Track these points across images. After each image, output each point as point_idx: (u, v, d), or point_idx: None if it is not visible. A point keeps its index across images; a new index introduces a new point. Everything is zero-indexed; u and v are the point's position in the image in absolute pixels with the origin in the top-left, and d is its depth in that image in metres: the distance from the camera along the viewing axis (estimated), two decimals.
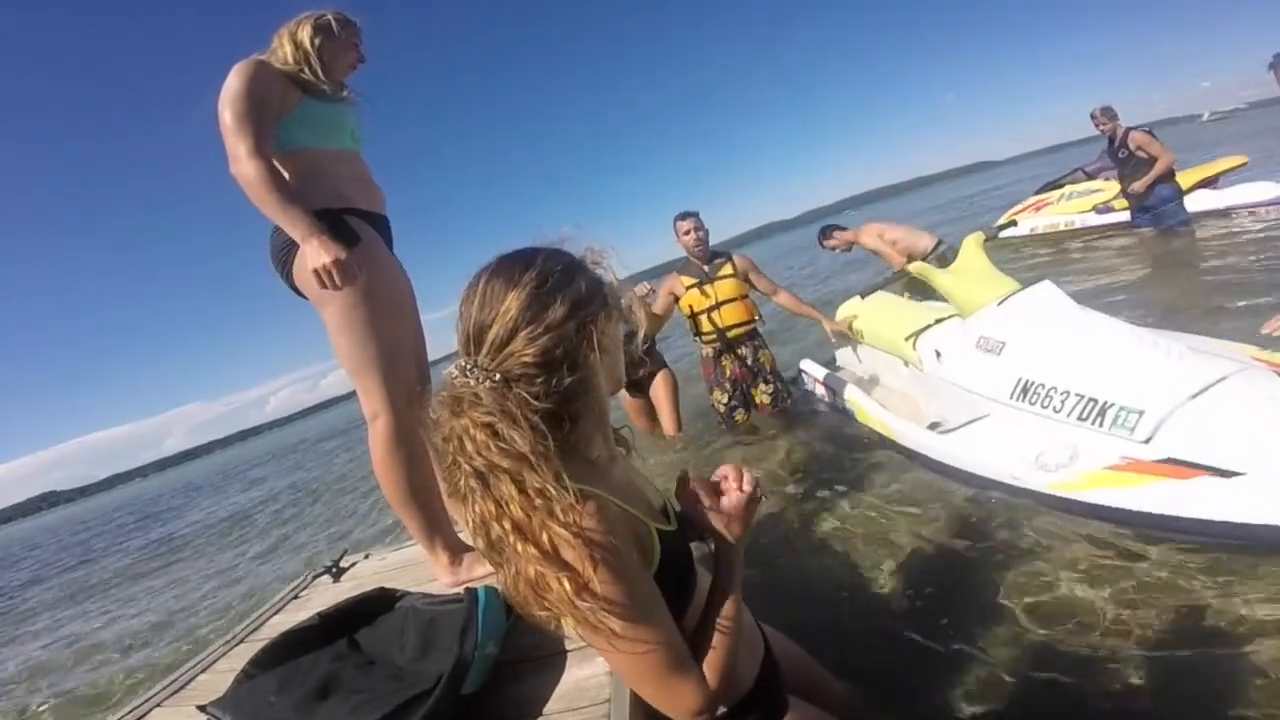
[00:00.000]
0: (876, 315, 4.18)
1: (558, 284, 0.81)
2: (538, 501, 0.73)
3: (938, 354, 3.26)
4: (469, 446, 0.75)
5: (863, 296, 4.27)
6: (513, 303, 0.79)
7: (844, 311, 4.46)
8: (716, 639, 0.87)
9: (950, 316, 3.47)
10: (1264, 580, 1.87)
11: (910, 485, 3.08)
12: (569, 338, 0.80)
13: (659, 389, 4.51)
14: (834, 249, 5.67)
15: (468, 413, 0.76)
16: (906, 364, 3.69)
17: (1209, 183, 7.36)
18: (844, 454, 3.70)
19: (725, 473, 0.95)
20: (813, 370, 4.56)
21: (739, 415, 4.43)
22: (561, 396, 0.80)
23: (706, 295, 4.19)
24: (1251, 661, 1.64)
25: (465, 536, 1.97)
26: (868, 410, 3.66)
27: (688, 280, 4.23)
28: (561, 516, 0.72)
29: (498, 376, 0.78)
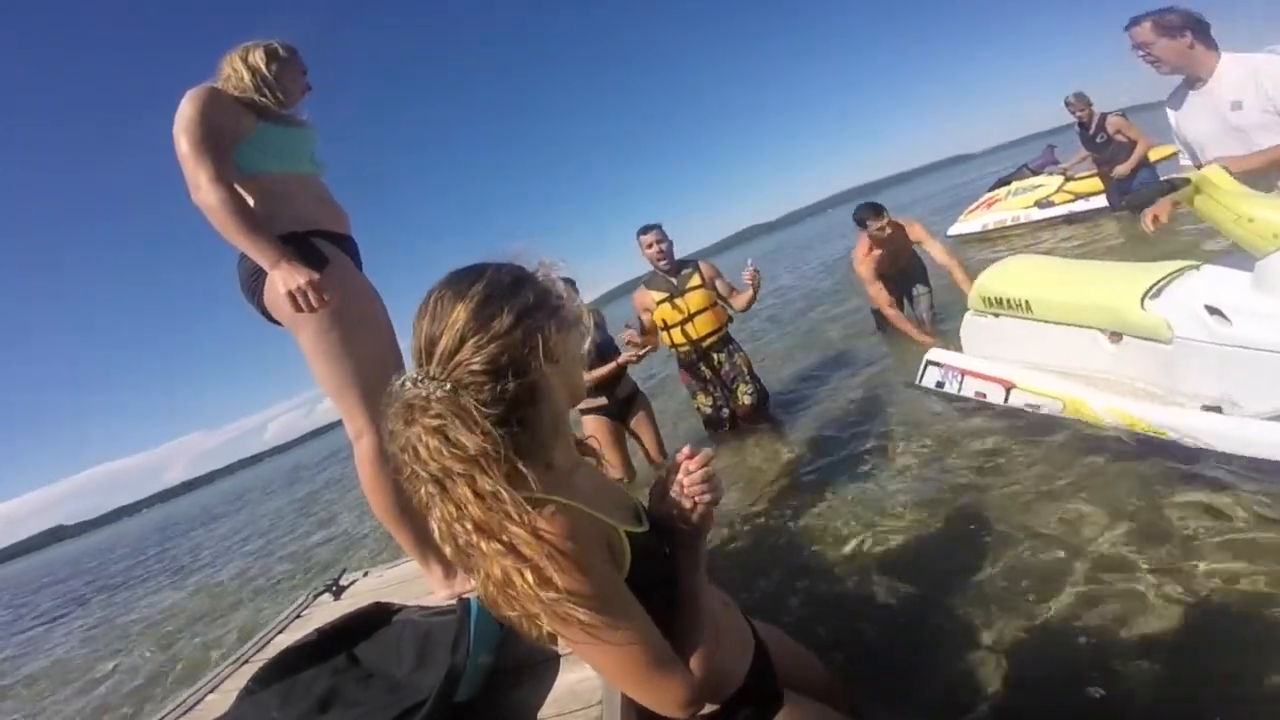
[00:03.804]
0: (1043, 280, 3.31)
1: (504, 295, 0.84)
2: (492, 503, 0.76)
3: (1214, 312, 2.44)
4: (423, 453, 0.77)
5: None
6: (460, 313, 0.82)
7: (988, 280, 3.55)
8: (693, 630, 0.90)
9: (1184, 268, 2.73)
10: None
11: (901, 477, 3.13)
12: (515, 346, 0.82)
13: (642, 417, 4.14)
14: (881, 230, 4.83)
15: (419, 420, 0.78)
16: (1115, 336, 2.89)
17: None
18: (830, 450, 3.75)
19: (681, 457, 0.97)
20: (954, 361, 3.73)
21: (725, 414, 4.45)
22: (509, 403, 0.83)
23: (678, 309, 4.15)
24: None
25: None
26: (1093, 404, 2.85)
27: (657, 295, 4.18)
28: (517, 517, 0.75)
29: (448, 385, 0.80)
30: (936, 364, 3.84)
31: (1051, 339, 3.18)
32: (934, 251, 4.86)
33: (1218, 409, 2.44)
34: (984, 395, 3.46)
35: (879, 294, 4.97)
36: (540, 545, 0.75)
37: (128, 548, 23.08)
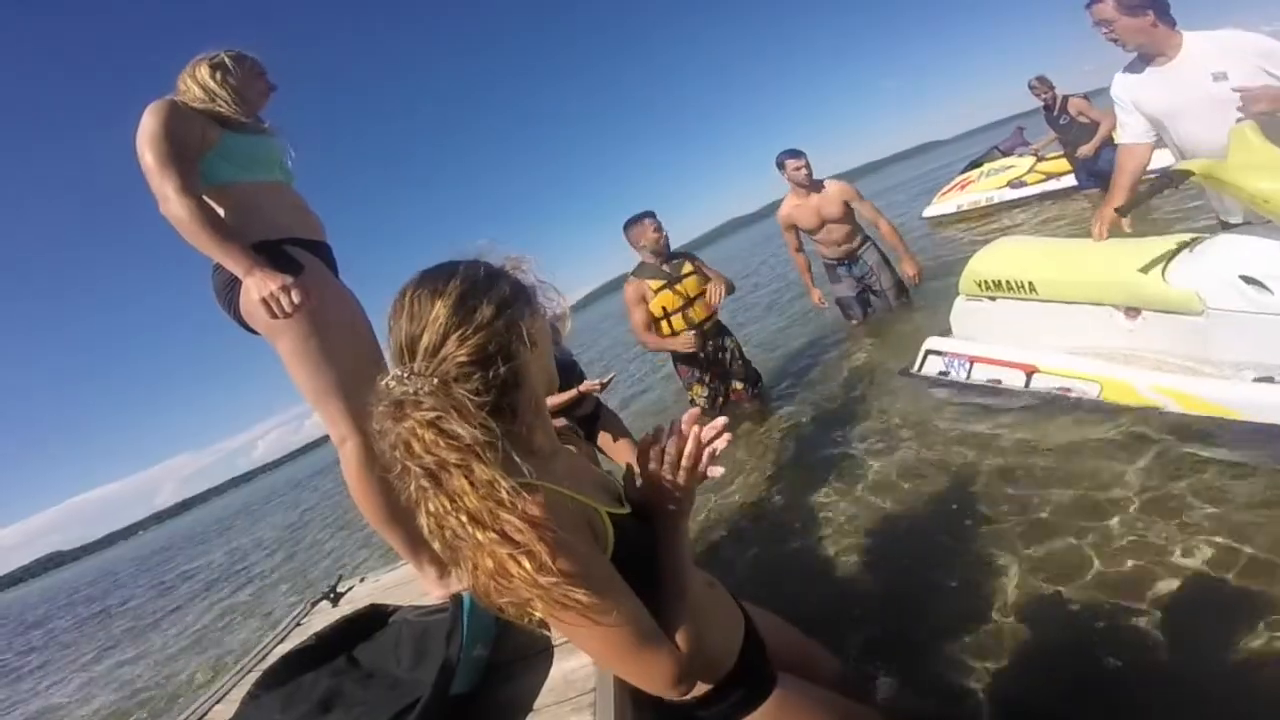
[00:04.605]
0: (1046, 260, 3.15)
1: (482, 288, 0.87)
2: (487, 492, 0.77)
3: (1251, 281, 2.33)
4: (416, 446, 0.78)
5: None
6: (440, 310, 0.84)
7: (983, 262, 3.39)
8: (678, 607, 0.91)
9: (1195, 240, 2.64)
10: None
11: (898, 457, 3.13)
12: (500, 334, 0.85)
13: (611, 434, 3.72)
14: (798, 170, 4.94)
15: (411, 414, 0.79)
16: (1131, 312, 2.78)
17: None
18: (824, 436, 3.77)
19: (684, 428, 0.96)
20: (961, 348, 3.52)
21: (720, 401, 4.48)
22: (500, 389, 0.86)
23: (678, 294, 4.17)
24: None
25: None
26: (1136, 384, 2.67)
27: (654, 283, 4.16)
28: (510, 504, 0.76)
29: (435, 380, 0.81)
30: (939, 352, 3.66)
31: (1059, 319, 3.07)
32: (864, 210, 4.99)
33: (1269, 379, 2.33)
34: (999, 381, 3.27)
35: (790, 240, 5.19)
36: (529, 530, 0.76)
37: (131, 569, 23.04)
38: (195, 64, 1.86)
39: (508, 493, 0.76)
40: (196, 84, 1.83)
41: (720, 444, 0.90)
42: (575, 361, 3.59)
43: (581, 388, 3.26)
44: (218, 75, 1.84)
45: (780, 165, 4.96)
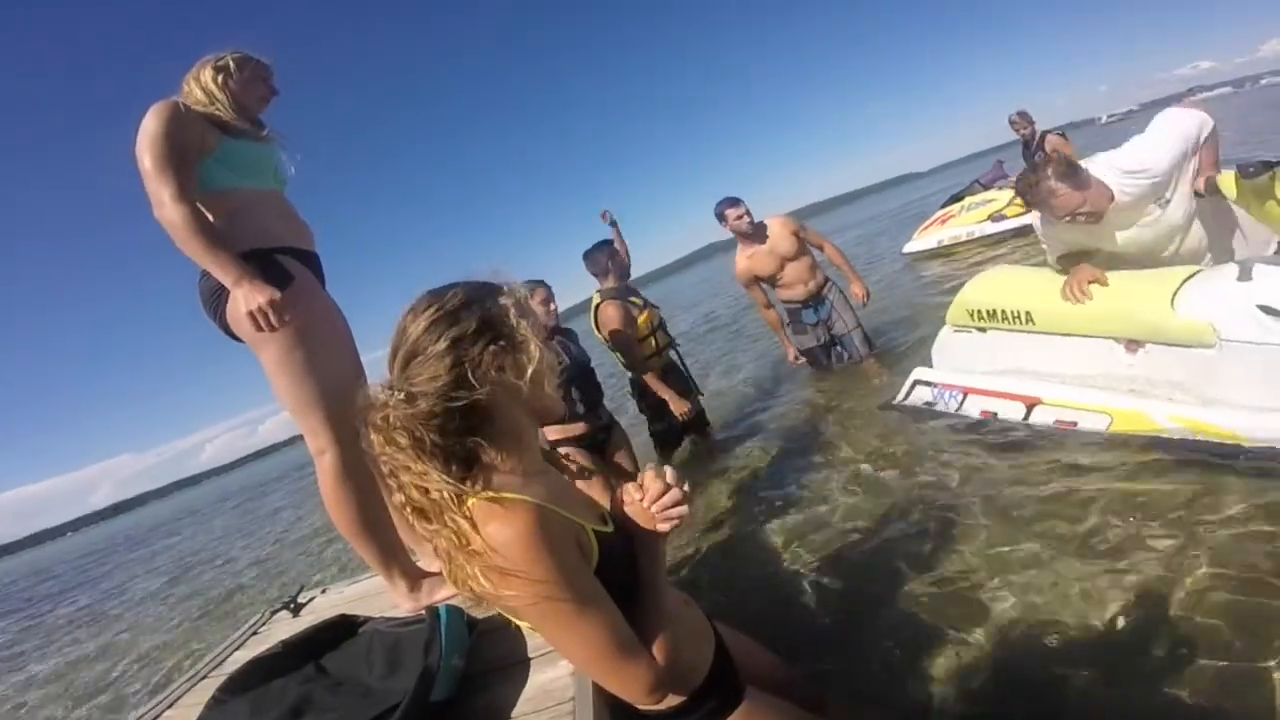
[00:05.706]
0: (1046, 290, 2.95)
1: (448, 321, 0.92)
2: (434, 496, 0.87)
3: (1271, 312, 2.25)
4: (374, 450, 0.89)
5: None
6: (412, 333, 0.93)
7: (976, 291, 3.30)
8: (654, 621, 0.97)
9: (1198, 271, 2.55)
10: None
11: (871, 485, 3.18)
12: (449, 369, 0.90)
13: (623, 452, 3.77)
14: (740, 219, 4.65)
15: (370, 420, 0.89)
16: (1132, 345, 2.68)
17: None
18: (798, 460, 3.84)
19: (647, 476, 1.03)
20: (952, 379, 3.42)
21: (678, 430, 4.39)
22: (454, 415, 0.91)
23: (654, 311, 4.15)
24: None
25: (423, 563, 2.02)
26: (1151, 413, 2.58)
27: (637, 299, 4.06)
28: (460, 511, 0.86)
29: (402, 395, 0.89)
30: (928, 383, 3.54)
31: (1052, 352, 2.97)
32: (810, 237, 4.72)
33: None
34: (995, 414, 3.14)
35: (757, 296, 4.88)
36: (481, 544, 0.84)
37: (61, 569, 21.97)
38: (201, 65, 1.84)
39: (453, 499, 0.86)
40: (199, 86, 1.82)
41: (680, 510, 0.98)
42: (594, 369, 3.57)
43: (563, 454, 3.18)
44: (219, 79, 1.84)
45: (721, 217, 4.67)
